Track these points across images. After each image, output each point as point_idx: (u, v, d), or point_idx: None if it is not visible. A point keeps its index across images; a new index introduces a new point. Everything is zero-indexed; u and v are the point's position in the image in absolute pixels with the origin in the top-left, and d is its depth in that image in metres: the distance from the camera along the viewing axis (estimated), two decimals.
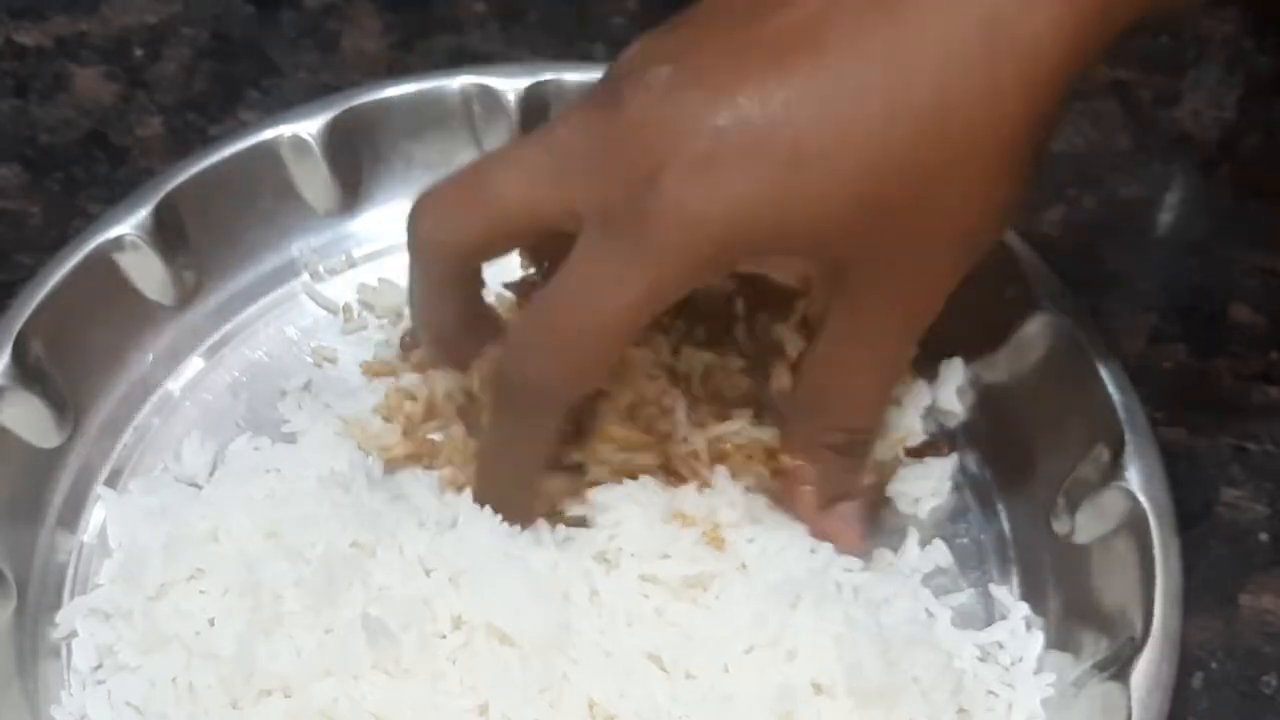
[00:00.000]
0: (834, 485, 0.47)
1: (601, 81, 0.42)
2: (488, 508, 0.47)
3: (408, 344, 0.53)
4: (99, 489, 0.51)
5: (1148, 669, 0.42)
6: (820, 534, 0.47)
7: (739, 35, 0.40)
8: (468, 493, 0.47)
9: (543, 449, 0.45)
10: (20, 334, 0.49)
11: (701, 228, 0.39)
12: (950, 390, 0.51)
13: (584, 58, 0.60)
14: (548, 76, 0.56)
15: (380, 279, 0.55)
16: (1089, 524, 0.47)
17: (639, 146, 0.39)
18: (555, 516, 0.48)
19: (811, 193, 0.39)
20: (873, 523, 0.49)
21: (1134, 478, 0.46)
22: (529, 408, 0.44)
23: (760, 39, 0.39)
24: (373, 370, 0.53)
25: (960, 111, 0.39)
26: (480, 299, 0.47)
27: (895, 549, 0.49)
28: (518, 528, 0.47)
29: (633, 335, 0.42)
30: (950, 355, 0.51)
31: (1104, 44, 0.39)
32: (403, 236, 0.44)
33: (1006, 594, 0.48)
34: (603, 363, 0.43)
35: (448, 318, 0.47)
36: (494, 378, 0.45)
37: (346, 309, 0.55)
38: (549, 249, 0.45)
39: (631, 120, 0.39)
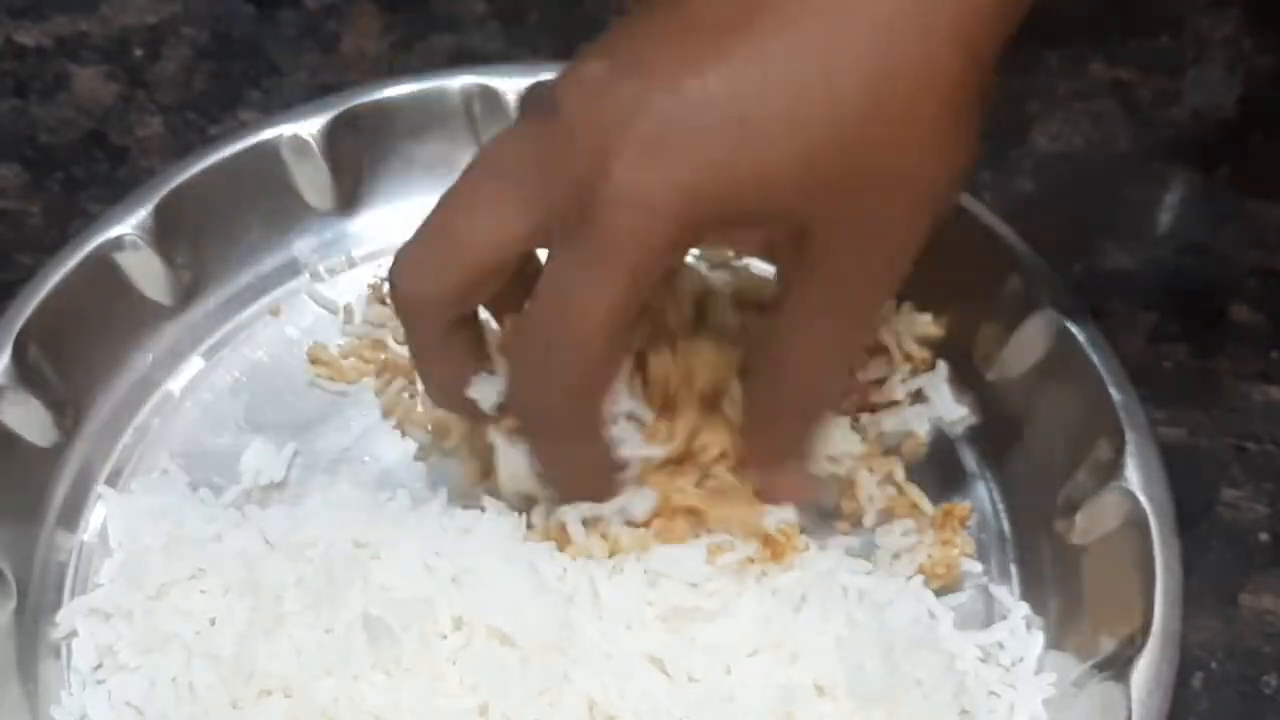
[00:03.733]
0: (784, 451, 0.46)
1: (532, 97, 0.41)
2: (489, 508, 0.47)
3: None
4: (99, 489, 0.51)
5: (1148, 669, 0.43)
6: (771, 496, 0.46)
7: (672, 21, 0.40)
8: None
9: (595, 449, 0.45)
10: (20, 334, 0.49)
11: (657, 207, 0.38)
12: (946, 397, 0.51)
13: None
14: (548, 76, 0.56)
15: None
16: (1089, 524, 0.47)
17: (584, 145, 0.39)
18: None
19: (764, 164, 0.38)
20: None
21: (1134, 478, 0.46)
22: (559, 430, 0.44)
23: (694, 22, 0.39)
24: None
25: (900, 76, 0.39)
26: (483, 343, 0.46)
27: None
28: (520, 530, 0.47)
29: (621, 329, 0.41)
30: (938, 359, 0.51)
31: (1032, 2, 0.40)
32: (402, 237, 0.44)
33: (1006, 594, 0.48)
34: (603, 366, 0.43)
35: (451, 370, 0.45)
36: (511, 407, 0.45)
37: (347, 309, 0.55)
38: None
39: (571, 122, 0.39)
